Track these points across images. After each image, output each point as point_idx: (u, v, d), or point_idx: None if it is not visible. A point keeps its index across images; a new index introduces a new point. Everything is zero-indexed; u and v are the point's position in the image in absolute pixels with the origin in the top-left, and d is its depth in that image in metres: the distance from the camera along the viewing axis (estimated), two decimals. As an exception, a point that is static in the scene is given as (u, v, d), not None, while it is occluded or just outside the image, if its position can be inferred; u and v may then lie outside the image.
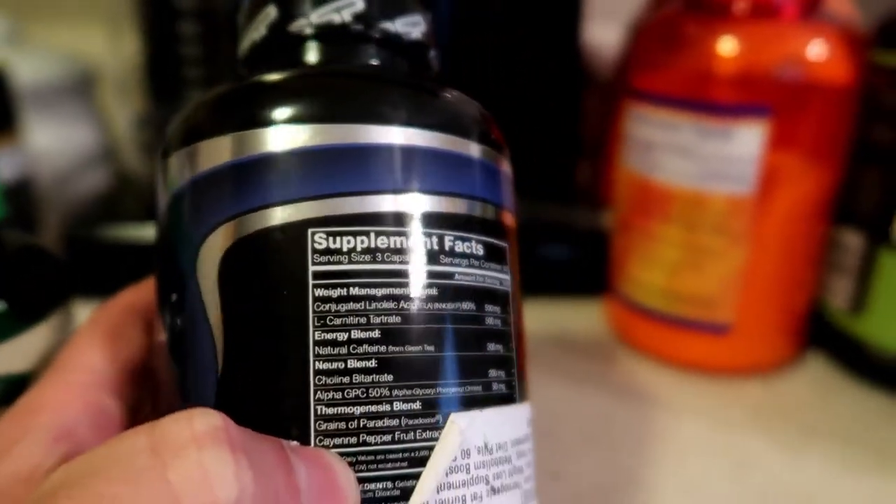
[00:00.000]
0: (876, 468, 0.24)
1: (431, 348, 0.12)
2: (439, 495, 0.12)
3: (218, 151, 0.13)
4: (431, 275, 0.13)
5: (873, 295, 0.27)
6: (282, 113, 0.13)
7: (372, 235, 0.12)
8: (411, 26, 0.15)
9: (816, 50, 0.25)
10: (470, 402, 0.13)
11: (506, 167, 0.15)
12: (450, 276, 0.13)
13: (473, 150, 0.14)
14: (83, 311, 0.17)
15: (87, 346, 0.15)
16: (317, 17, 0.15)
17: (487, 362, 0.13)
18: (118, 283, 0.19)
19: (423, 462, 0.12)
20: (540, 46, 0.39)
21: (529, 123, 0.41)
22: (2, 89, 0.33)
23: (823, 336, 0.31)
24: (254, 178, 0.13)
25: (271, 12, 0.15)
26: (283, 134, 0.13)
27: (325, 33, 0.15)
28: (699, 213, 0.27)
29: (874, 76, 0.27)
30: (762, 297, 0.28)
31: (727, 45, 0.26)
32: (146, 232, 0.35)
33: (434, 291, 0.13)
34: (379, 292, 0.12)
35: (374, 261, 0.12)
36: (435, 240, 0.13)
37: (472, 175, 0.14)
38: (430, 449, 0.12)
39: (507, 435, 0.13)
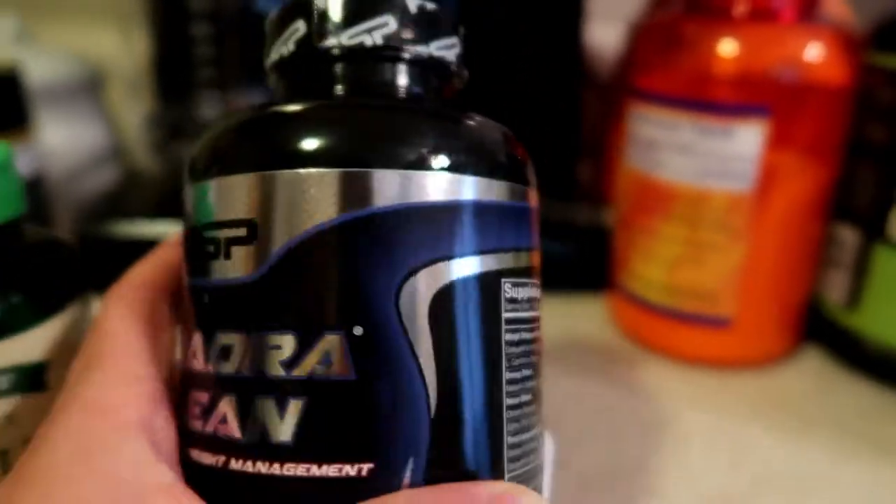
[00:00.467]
0: (871, 458, 0.25)
1: (534, 374, 0.15)
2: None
3: (392, 186, 0.12)
4: (536, 319, 0.15)
5: (868, 290, 0.28)
6: (473, 162, 0.13)
7: (529, 286, 0.15)
8: (446, 49, 0.15)
9: (813, 52, 0.26)
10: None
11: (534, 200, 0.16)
12: (535, 319, 0.15)
13: (532, 198, 0.15)
14: (97, 306, 0.18)
15: (133, 335, 0.15)
16: (347, 38, 0.14)
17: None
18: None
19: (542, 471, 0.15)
20: (542, 45, 0.40)
21: (531, 122, 0.42)
22: (16, 88, 0.33)
23: (820, 329, 0.31)
24: (451, 222, 0.13)
25: (300, 28, 0.15)
26: (474, 185, 0.13)
27: (355, 55, 0.14)
28: (700, 210, 0.28)
29: (869, 76, 0.28)
30: (761, 291, 0.29)
31: (727, 47, 0.27)
32: (155, 228, 0.36)
33: (537, 333, 0.15)
34: (529, 336, 0.15)
35: (530, 308, 0.15)
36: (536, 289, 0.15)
37: (531, 224, 0.15)
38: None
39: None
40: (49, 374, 0.17)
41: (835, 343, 0.31)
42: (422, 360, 0.12)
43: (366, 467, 0.12)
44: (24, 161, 0.33)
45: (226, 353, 0.13)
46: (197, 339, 0.14)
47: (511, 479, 0.14)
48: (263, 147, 0.13)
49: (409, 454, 0.12)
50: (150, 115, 0.39)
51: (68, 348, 0.17)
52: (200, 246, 0.14)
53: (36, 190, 0.35)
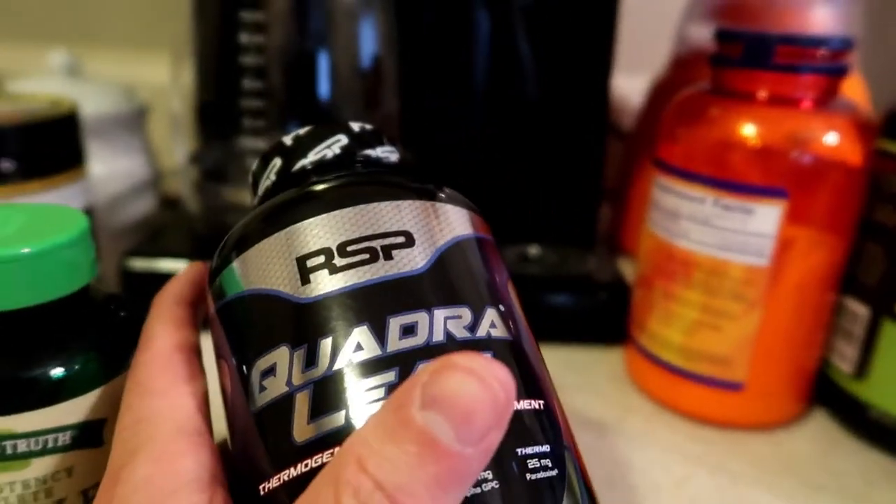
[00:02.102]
0: (873, 525, 0.26)
1: None
2: None
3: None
4: None
5: (876, 362, 0.30)
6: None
7: None
8: (389, 153, 0.20)
9: (831, 137, 0.28)
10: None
11: None
12: None
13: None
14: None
15: (181, 365, 0.17)
16: (313, 156, 0.19)
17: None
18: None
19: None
20: (570, 95, 0.41)
21: (555, 171, 0.44)
22: (75, 128, 0.35)
23: (828, 395, 0.33)
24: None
25: (277, 162, 0.19)
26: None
27: (321, 166, 0.19)
28: (718, 280, 0.29)
29: (879, 161, 0.29)
30: (774, 358, 0.30)
31: (748, 129, 0.28)
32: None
33: None
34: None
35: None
36: None
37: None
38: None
39: None
40: (106, 429, 0.19)
41: (842, 409, 0.32)
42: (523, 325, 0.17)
43: (540, 402, 0.16)
44: (78, 196, 0.35)
45: (410, 329, 0.15)
46: (357, 334, 0.15)
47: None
48: (424, 184, 0.18)
49: (550, 389, 0.17)
50: (194, 153, 0.41)
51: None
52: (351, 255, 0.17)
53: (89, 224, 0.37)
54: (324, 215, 0.16)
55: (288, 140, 0.19)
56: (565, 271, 0.40)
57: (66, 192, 0.34)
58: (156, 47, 0.60)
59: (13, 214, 0.19)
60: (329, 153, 0.19)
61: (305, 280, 0.16)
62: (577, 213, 0.44)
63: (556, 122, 0.42)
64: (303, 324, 0.16)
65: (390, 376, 0.15)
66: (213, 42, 0.39)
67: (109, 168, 0.44)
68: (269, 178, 0.19)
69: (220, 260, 0.18)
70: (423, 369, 0.12)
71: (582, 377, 0.35)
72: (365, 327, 0.15)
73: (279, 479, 0.14)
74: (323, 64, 0.38)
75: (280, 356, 0.15)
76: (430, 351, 0.15)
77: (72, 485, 0.18)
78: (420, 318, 0.15)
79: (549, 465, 0.15)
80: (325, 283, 0.16)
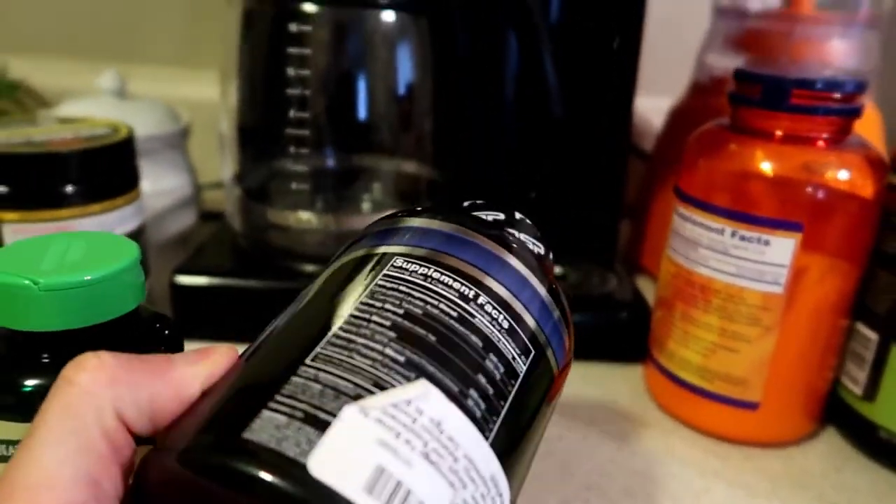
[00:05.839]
0: (880, 539, 0.28)
1: (434, 339, 0.16)
2: (382, 415, 0.14)
3: None
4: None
5: (885, 385, 0.31)
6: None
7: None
8: (535, 245, 0.22)
9: (844, 174, 0.30)
10: (446, 391, 0.16)
11: None
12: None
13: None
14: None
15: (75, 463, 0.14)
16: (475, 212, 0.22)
17: (474, 384, 0.16)
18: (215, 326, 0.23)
19: (383, 390, 0.15)
20: (594, 118, 0.43)
21: (578, 189, 0.45)
22: (131, 152, 0.38)
23: (839, 415, 0.35)
24: None
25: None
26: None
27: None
28: (735, 306, 0.31)
29: (889, 196, 0.31)
30: (788, 379, 0.32)
31: (766, 165, 0.30)
32: (237, 281, 0.40)
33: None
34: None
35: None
36: None
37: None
38: (394, 387, 0.15)
39: (462, 441, 0.15)
40: None
41: (852, 429, 0.34)
42: None
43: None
44: (134, 218, 0.38)
45: None
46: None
47: None
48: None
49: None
50: (237, 172, 0.43)
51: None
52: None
53: (140, 240, 0.39)
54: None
55: (465, 203, 0.22)
56: (587, 290, 0.42)
57: (124, 213, 0.37)
58: (195, 67, 0.63)
59: (74, 242, 0.21)
60: (488, 218, 0.21)
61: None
62: (598, 231, 0.46)
63: (580, 142, 0.44)
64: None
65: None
66: (258, 67, 0.41)
67: (156, 186, 0.47)
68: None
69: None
70: None
71: (602, 392, 0.37)
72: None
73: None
74: (362, 91, 0.40)
75: None
76: None
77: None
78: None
79: None
80: None
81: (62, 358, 0.20)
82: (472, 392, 0.16)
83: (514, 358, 0.18)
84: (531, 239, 0.22)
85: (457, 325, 0.17)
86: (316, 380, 0.15)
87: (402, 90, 0.42)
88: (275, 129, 0.40)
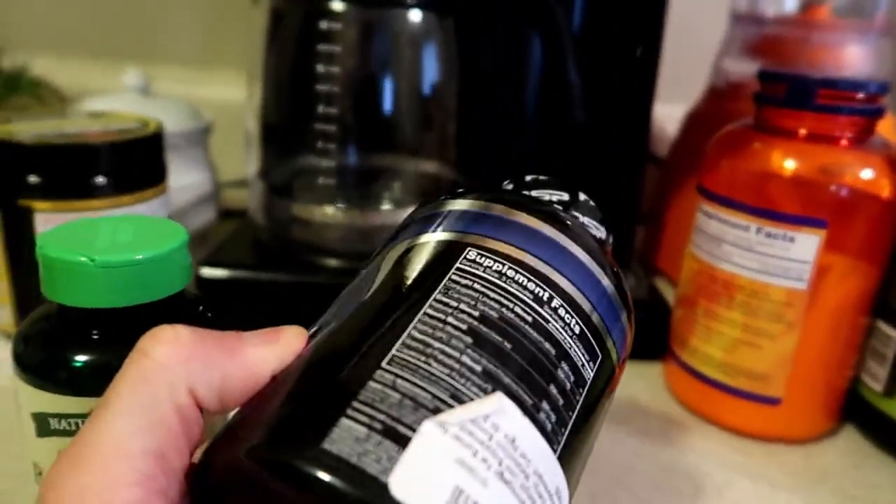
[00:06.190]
0: (904, 533, 0.28)
1: (509, 346, 0.16)
2: (460, 431, 0.14)
3: None
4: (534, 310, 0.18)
5: (906, 382, 0.32)
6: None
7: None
8: (595, 228, 0.22)
9: (867, 173, 0.30)
10: (520, 404, 0.15)
11: None
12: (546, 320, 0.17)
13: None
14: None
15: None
16: (536, 193, 0.22)
17: (546, 396, 0.16)
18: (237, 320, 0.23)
19: (460, 403, 0.15)
20: (613, 122, 0.44)
21: (596, 192, 0.46)
22: (160, 146, 0.38)
23: (859, 412, 0.35)
24: None
25: (508, 185, 0.23)
26: None
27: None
28: (759, 302, 0.32)
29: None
30: (809, 376, 0.32)
31: (790, 163, 0.31)
32: (260, 274, 0.40)
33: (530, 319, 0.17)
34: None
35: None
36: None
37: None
38: (471, 399, 0.15)
39: (533, 456, 0.15)
40: None
41: (872, 425, 0.34)
42: None
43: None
44: (162, 211, 0.38)
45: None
46: None
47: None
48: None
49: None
50: (262, 168, 0.44)
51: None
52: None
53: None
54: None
55: (528, 177, 0.22)
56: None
57: (152, 205, 0.37)
58: (218, 66, 0.64)
59: (124, 225, 0.22)
60: (549, 198, 0.21)
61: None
62: (615, 233, 0.47)
63: (599, 147, 0.45)
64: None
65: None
66: (285, 64, 0.42)
67: (179, 181, 0.47)
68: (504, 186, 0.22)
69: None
70: None
71: (621, 390, 0.38)
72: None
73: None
74: (388, 87, 0.41)
75: None
76: None
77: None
78: None
79: None
80: None
81: (112, 335, 0.21)
82: (545, 405, 0.16)
83: (583, 365, 0.17)
84: (594, 223, 0.21)
85: (532, 331, 0.16)
86: (394, 387, 0.14)
87: (426, 90, 0.42)
88: (301, 124, 0.41)
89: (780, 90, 0.31)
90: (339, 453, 0.13)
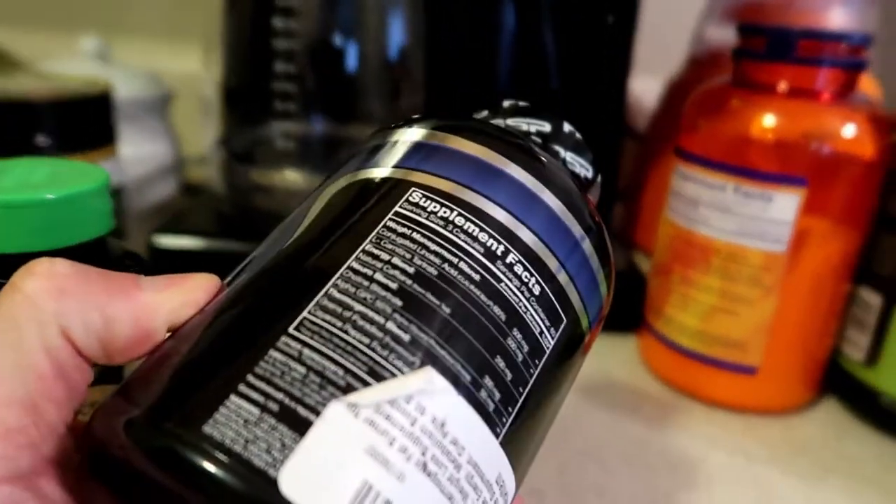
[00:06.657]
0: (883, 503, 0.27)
1: (448, 311, 0.13)
2: (375, 415, 0.12)
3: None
4: (484, 267, 0.14)
5: (887, 350, 0.31)
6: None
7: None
8: (582, 166, 0.19)
9: (849, 129, 0.29)
10: (454, 381, 0.13)
11: None
12: (498, 280, 0.14)
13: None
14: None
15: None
16: (513, 122, 0.19)
17: (490, 370, 0.14)
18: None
19: (379, 379, 0.12)
20: (589, 94, 0.42)
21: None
22: (108, 107, 0.36)
23: (839, 381, 0.34)
24: None
25: (484, 113, 0.20)
26: None
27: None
28: (736, 266, 0.30)
29: (894, 156, 0.30)
30: (788, 344, 0.31)
31: (769, 120, 0.29)
32: (220, 243, 0.38)
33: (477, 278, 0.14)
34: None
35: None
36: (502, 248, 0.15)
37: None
38: (394, 376, 0.12)
39: (468, 442, 0.13)
40: (126, 368, 0.19)
41: (853, 396, 0.33)
42: None
43: None
44: (110, 174, 0.36)
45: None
46: None
47: None
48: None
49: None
50: (222, 136, 0.42)
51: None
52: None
53: (117, 202, 0.38)
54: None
55: (506, 103, 0.19)
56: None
57: (99, 168, 0.35)
58: (180, 37, 0.62)
59: (39, 166, 0.20)
60: (529, 129, 0.18)
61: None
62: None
63: (573, 120, 0.43)
64: None
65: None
66: (245, 27, 0.40)
67: (136, 151, 0.45)
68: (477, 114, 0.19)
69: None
70: None
71: (596, 363, 0.36)
72: None
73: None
74: (352, 51, 0.39)
75: None
76: None
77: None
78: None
79: None
80: None
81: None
82: (487, 381, 0.13)
83: (541, 333, 0.15)
84: (579, 160, 0.18)
85: (477, 292, 0.14)
86: (299, 359, 0.12)
87: (393, 54, 0.40)
88: (261, 88, 0.39)
89: (760, 44, 0.30)
90: (221, 439, 0.11)
